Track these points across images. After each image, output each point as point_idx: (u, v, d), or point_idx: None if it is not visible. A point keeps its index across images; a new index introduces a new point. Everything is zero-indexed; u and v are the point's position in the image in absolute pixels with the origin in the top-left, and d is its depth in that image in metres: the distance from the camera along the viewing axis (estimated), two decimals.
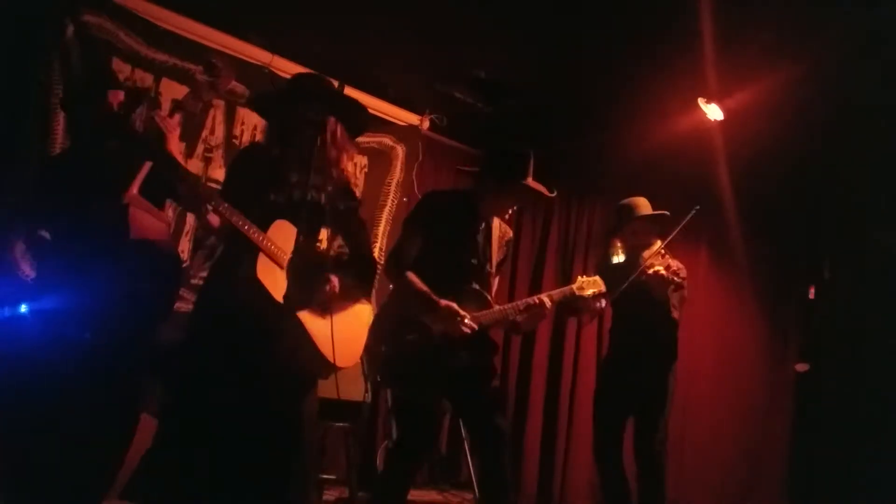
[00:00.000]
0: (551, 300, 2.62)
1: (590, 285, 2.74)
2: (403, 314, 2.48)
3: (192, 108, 2.37)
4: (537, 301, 2.59)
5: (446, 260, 2.52)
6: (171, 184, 2.22)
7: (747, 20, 3.21)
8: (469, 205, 2.58)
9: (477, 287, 2.54)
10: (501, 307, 2.60)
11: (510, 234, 2.73)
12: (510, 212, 2.66)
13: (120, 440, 2.32)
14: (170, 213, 3.49)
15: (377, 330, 2.48)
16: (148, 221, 2.34)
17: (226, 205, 2.09)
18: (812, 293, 4.56)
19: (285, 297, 2.08)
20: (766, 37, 3.30)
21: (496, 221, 2.66)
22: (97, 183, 2.33)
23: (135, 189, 2.30)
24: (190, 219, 3.64)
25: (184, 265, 3.67)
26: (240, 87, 3.85)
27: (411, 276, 2.47)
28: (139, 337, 2.32)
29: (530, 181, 2.55)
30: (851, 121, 3.93)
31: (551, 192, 2.61)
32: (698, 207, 3.13)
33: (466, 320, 2.42)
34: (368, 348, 2.48)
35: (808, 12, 3.13)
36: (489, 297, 2.55)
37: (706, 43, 3.27)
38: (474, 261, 2.56)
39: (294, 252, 2.13)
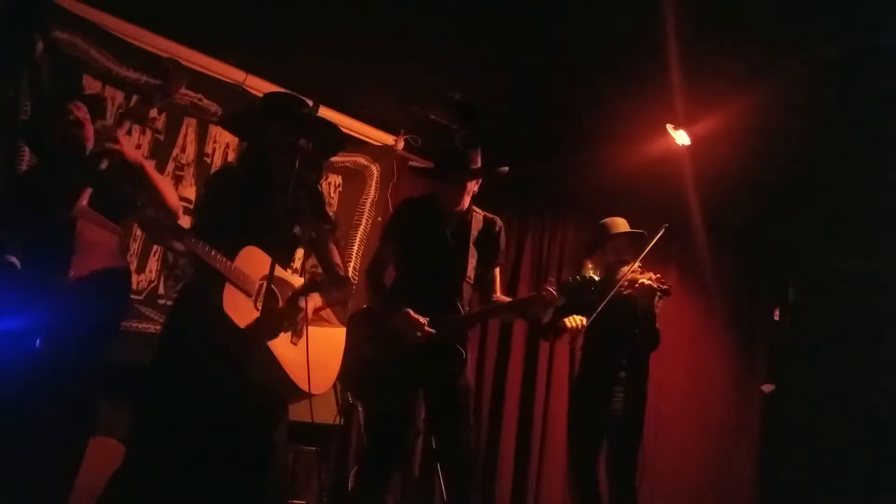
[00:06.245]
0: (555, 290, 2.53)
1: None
2: (371, 323, 2.52)
3: (142, 114, 2.32)
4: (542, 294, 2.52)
5: (419, 265, 2.56)
6: (134, 206, 2.18)
7: (714, 50, 3.31)
8: (435, 207, 2.62)
9: (447, 293, 2.56)
10: (473, 312, 2.63)
11: (498, 223, 2.71)
12: (467, 197, 2.60)
13: (69, 457, 2.28)
14: (137, 231, 3.44)
15: (349, 340, 2.48)
16: (97, 235, 2.31)
17: (192, 238, 2.06)
18: (777, 315, 4.67)
19: (254, 325, 2.07)
20: (732, 66, 3.41)
21: (476, 216, 2.67)
22: (55, 198, 2.29)
23: (84, 201, 2.24)
24: None
25: (151, 285, 3.61)
26: (213, 106, 3.82)
27: (372, 283, 2.56)
28: (88, 349, 2.30)
29: (473, 166, 2.58)
30: (815, 148, 4.05)
31: (501, 168, 2.62)
32: (667, 225, 3.20)
33: (424, 328, 2.41)
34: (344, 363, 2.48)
35: (772, 43, 3.24)
36: (459, 305, 2.56)
37: (674, 71, 3.36)
38: (445, 262, 2.58)
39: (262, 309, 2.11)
